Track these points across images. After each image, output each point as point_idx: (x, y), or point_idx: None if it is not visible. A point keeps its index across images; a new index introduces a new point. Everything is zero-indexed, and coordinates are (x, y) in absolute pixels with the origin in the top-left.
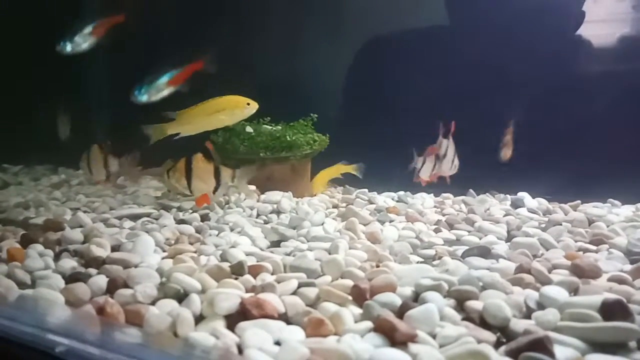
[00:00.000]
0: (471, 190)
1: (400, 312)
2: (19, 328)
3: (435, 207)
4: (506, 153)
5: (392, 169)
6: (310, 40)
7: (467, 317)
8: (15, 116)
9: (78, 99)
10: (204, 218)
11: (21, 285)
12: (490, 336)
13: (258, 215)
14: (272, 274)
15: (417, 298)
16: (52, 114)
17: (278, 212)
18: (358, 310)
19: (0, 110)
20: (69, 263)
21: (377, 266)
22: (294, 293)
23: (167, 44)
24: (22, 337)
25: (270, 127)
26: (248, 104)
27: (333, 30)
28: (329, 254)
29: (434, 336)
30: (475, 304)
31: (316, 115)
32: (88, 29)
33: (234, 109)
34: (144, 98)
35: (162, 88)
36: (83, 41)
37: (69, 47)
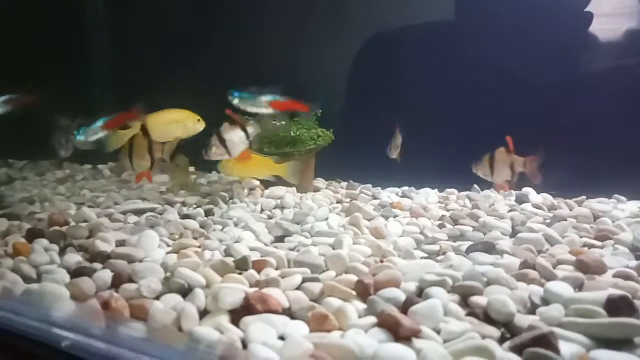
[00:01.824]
0: (475, 186)
1: (404, 308)
2: (25, 322)
3: (439, 202)
4: (394, 152)
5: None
6: (314, 34)
7: (472, 312)
8: (20, 111)
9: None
10: (208, 213)
11: (27, 279)
12: (495, 332)
13: (262, 210)
14: (276, 269)
15: (421, 293)
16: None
17: (282, 207)
18: (362, 306)
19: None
20: (74, 257)
21: (381, 261)
22: (298, 288)
23: (165, 43)
24: (28, 331)
25: (274, 122)
26: (199, 120)
27: (337, 24)
28: (333, 249)
29: (438, 331)
30: (479, 300)
31: (320, 111)
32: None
33: (186, 122)
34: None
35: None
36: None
37: None
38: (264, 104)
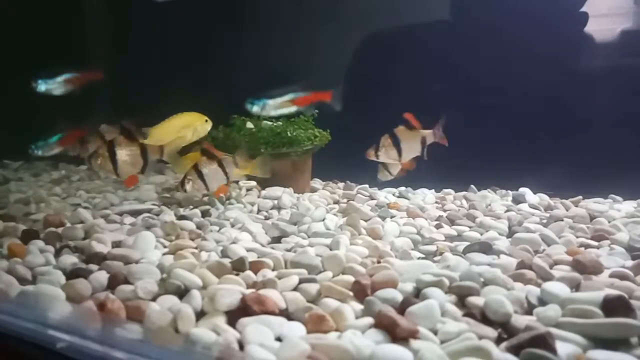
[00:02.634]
0: (472, 186)
1: (402, 308)
2: (20, 324)
3: (436, 202)
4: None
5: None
6: (310, 35)
7: (468, 313)
8: (16, 112)
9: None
10: (205, 214)
11: (22, 281)
12: (492, 332)
13: (259, 211)
14: (273, 270)
15: (418, 294)
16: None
17: (279, 208)
18: (359, 306)
19: (0, 106)
20: (70, 259)
21: (378, 262)
22: (295, 289)
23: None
24: (23, 333)
25: (271, 123)
26: (206, 120)
27: (333, 23)
28: (330, 249)
29: (435, 332)
30: (476, 300)
31: (317, 111)
32: (65, 77)
33: (197, 126)
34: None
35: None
36: (58, 87)
37: (43, 87)
38: (286, 104)
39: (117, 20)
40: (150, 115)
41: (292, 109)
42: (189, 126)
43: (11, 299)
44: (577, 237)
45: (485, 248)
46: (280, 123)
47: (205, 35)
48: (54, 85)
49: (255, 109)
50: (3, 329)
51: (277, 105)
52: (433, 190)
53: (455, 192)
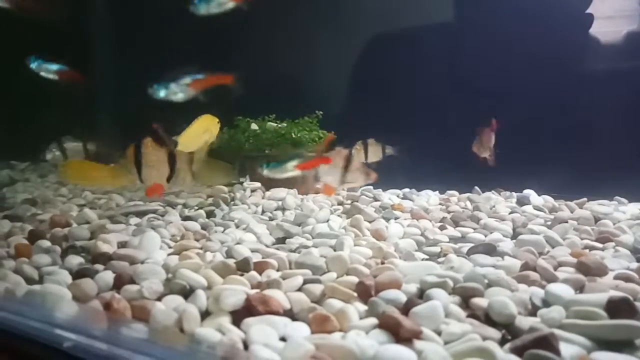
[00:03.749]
0: (476, 188)
1: (405, 309)
2: (27, 323)
3: (440, 204)
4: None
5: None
6: (313, 37)
7: (472, 314)
8: (22, 113)
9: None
10: (210, 215)
11: (29, 280)
12: (495, 333)
13: (263, 212)
14: (278, 270)
15: (422, 295)
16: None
17: (283, 209)
18: (363, 307)
19: (7, 107)
20: (76, 259)
21: (382, 263)
22: (299, 289)
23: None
24: (30, 333)
25: (276, 124)
26: (218, 122)
27: (336, 26)
28: (334, 250)
29: (439, 333)
30: (480, 301)
31: (321, 112)
32: (187, 80)
33: (212, 128)
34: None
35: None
36: (179, 91)
37: (162, 93)
38: (291, 169)
39: (116, 18)
40: (151, 117)
41: (295, 172)
42: (207, 130)
43: (18, 298)
44: (582, 239)
45: (489, 249)
46: (285, 124)
47: (207, 34)
48: (174, 90)
49: (265, 172)
50: (10, 328)
51: (283, 169)
52: (437, 192)
53: (460, 193)
